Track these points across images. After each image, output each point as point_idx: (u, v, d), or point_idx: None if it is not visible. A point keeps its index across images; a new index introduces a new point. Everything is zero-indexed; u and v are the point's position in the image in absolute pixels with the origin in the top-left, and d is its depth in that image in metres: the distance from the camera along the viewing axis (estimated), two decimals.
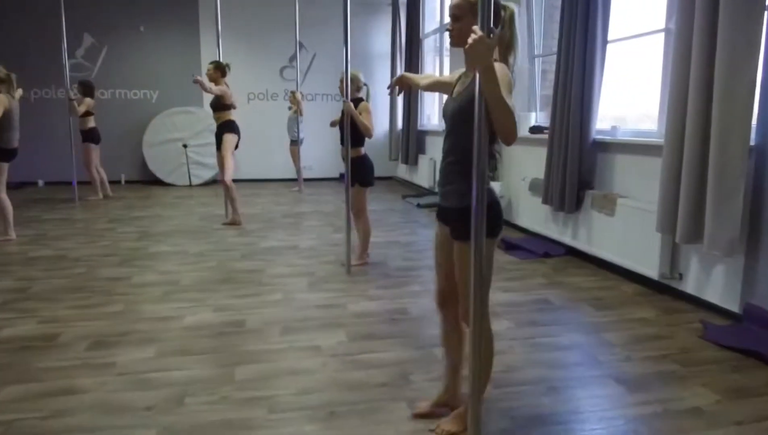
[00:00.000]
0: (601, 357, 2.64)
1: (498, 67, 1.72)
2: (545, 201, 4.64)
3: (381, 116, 9.94)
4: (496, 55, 1.85)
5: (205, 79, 5.49)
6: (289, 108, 8.60)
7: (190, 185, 9.09)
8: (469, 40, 1.51)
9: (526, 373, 2.47)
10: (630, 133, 4.13)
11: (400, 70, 8.90)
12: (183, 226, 5.77)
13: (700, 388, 2.32)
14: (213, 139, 6.09)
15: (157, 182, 9.14)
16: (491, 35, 1.52)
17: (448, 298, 2.07)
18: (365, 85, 4.23)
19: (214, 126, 5.86)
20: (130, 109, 9.24)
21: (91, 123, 7.40)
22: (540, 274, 4.06)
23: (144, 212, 6.59)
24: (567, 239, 4.56)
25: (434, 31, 8.35)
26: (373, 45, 9.81)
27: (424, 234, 5.38)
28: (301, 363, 2.55)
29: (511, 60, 1.85)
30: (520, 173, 5.43)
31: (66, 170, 7.55)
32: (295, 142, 8.37)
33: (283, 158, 9.12)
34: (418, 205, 7.03)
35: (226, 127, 5.68)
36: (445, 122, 1.95)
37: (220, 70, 5.64)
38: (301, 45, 9.56)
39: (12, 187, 8.54)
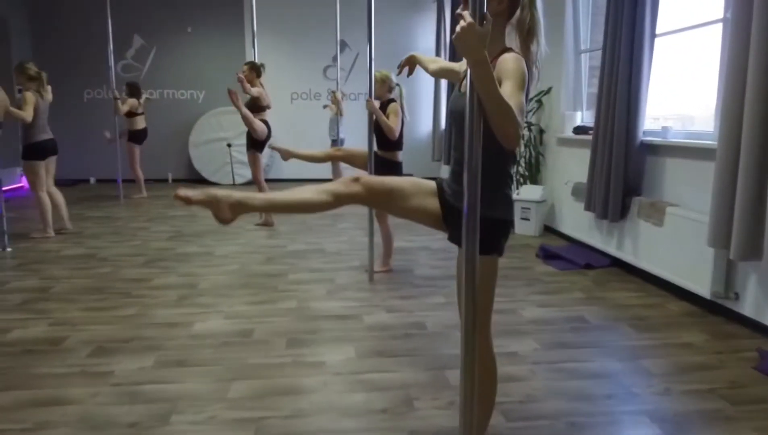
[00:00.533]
0: (635, 388, 2.34)
1: (511, 58, 1.49)
2: (588, 207, 4.30)
3: (425, 116, 9.72)
4: (515, 44, 1.61)
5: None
6: (324, 107, 8.50)
7: (234, 184, 9.15)
8: (457, 28, 1.29)
9: (546, 404, 2.21)
10: (682, 134, 3.74)
11: None
12: (216, 226, 5.74)
13: (750, 433, 1.99)
14: None
15: (203, 181, 9.25)
16: (484, 22, 1.29)
17: None
18: (398, 85, 4.03)
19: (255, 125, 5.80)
20: (177, 109, 9.40)
21: (137, 124, 7.55)
22: (579, 287, 3.74)
23: (182, 211, 6.63)
24: (611, 249, 4.20)
25: None
26: (417, 42, 9.58)
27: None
28: (301, 381, 2.38)
29: (533, 48, 1.61)
30: (563, 176, 5.09)
31: (115, 168, 7.74)
32: (336, 143, 8.26)
33: None
34: None
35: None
36: (453, 118, 1.71)
37: (255, 70, 5.59)
38: (345, 44, 9.47)
39: (66, 184, 8.88)
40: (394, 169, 3.93)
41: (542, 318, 3.15)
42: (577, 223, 4.76)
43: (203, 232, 5.43)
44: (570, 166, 4.98)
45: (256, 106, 5.57)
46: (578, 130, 4.80)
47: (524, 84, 1.47)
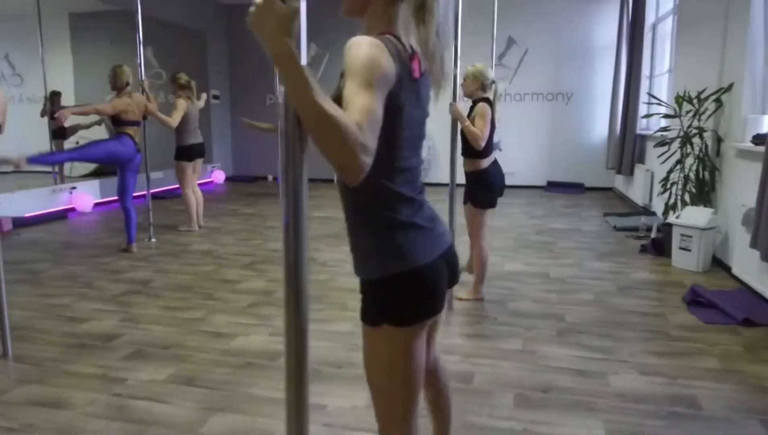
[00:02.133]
0: None
1: (355, 44, 1.05)
2: (753, 244, 3.21)
3: (600, 118, 8.59)
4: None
5: None
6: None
7: None
8: (251, 8, 0.88)
9: None
10: None
11: (624, 63, 7.48)
12: (341, 229, 5.71)
13: None
14: None
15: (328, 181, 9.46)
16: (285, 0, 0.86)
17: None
18: (493, 83, 3.47)
19: None
20: None
21: None
22: (717, 352, 2.78)
23: (327, 212, 6.79)
24: None
25: (668, 14, 6.75)
26: (594, 37, 8.47)
27: (596, 268, 4.29)
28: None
29: (422, 33, 1.12)
30: (740, 198, 3.92)
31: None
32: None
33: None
34: (615, 228, 5.75)
35: None
36: None
37: None
38: (512, 41, 8.82)
39: (246, 180, 9.84)
40: (477, 180, 3.39)
41: (635, 391, 2.38)
42: (747, 261, 3.62)
43: (326, 236, 5.42)
44: (748, 186, 3.81)
45: None
46: (758, 138, 3.64)
47: (375, 83, 0.99)
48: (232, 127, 10.37)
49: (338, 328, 3.08)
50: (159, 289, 3.76)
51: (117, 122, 4.42)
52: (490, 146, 3.38)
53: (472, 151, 3.36)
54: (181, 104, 5.21)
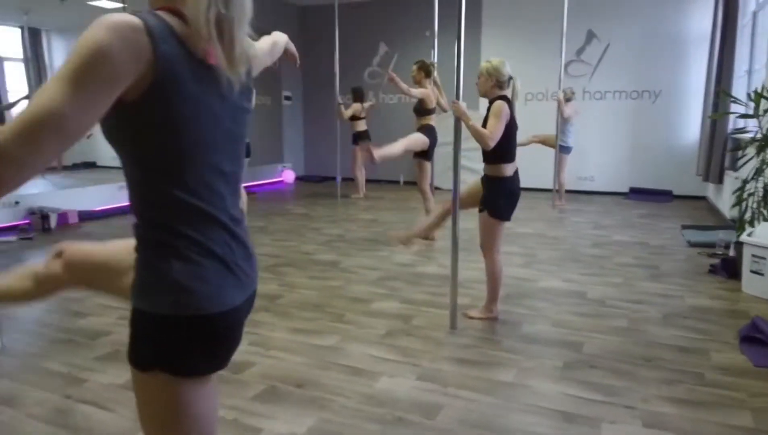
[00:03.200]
0: None
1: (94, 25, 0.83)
2: None
3: (692, 121, 7.69)
4: None
5: (400, 81, 5.09)
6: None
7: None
8: None
9: None
10: None
11: (716, 56, 6.61)
12: (381, 236, 5.52)
13: None
14: None
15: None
16: None
17: None
18: (511, 79, 3.11)
19: None
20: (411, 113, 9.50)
21: (359, 126, 7.89)
22: (758, 404, 2.26)
23: (372, 214, 6.64)
24: None
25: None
26: (689, 26, 7.58)
27: (646, 289, 3.76)
28: None
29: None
30: None
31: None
32: (563, 149, 7.11)
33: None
34: (689, 244, 5.05)
35: (424, 132, 5.17)
36: None
37: (424, 70, 5.16)
38: (592, 35, 8.13)
39: (315, 180, 9.92)
40: (498, 188, 3.04)
41: None
42: None
43: (357, 240, 5.25)
44: None
45: (423, 109, 5.13)
46: None
47: (82, 72, 0.79)
48: (304, 127, 10.51)
49: (322, 341, 2.90)
50: None
51: None
52: (511, 150, 3.03)
53: (492, 155, 3.04)
54: None
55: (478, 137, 2.90)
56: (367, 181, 8.16)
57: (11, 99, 6.90)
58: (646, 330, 3.06)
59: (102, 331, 3.03)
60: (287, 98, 9.82)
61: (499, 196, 3.05)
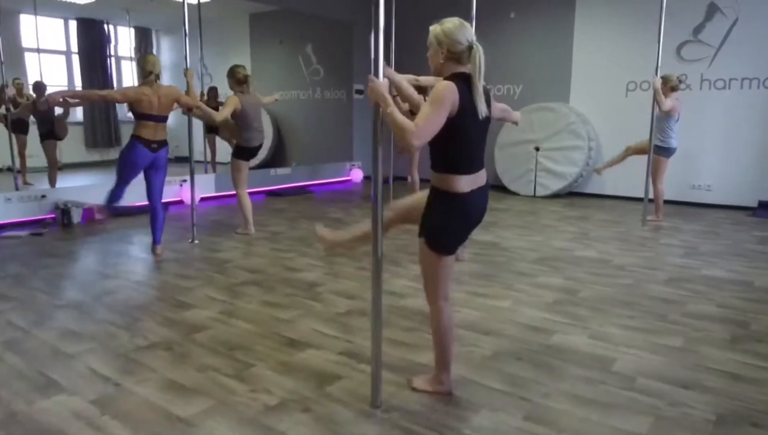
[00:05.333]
0: None
1: None
2: None
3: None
4: None
5: None
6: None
7: (534, 196, 7.61)
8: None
9: None
10: None
11: None
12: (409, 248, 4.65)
13: None
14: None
15: (502, 189, 8.07)
16: None
17: None
18: (471, 48, 2.10)
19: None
20: None
21: None
22: None
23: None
24: None
25: None
26: None
27: (714, 359, 2.56)
28: None
29: None
30: None
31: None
32: (661, 151, 5.66)
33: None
34: None
35: None
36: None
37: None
38: (715, 7, 6.49)
39: (384, 180, 9.19)
40: (442, 207, 2.09)
41: None
42: None
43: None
44: None
45: None
46: None
47: None
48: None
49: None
50: (144, 303, 3.29)
51: (134, 114, 4.11)
52: (469, 156, 2.08)
53: (439, 159, 2.11)
54: (233, 100, 4.73)
55: (397, 132, 1.97)
56: (422, 180, 7.25)
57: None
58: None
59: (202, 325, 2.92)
60: (358, 92, 9.18)
61: (442, 219, 2.09)
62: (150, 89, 4.06)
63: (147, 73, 4.08)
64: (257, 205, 4.93)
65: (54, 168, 7.33)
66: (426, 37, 2.11)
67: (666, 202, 6.03)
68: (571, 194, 7.63)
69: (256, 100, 5.01)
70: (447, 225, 2.08)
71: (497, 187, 8.21)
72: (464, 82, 2.01)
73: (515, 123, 3.47)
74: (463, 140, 2.04)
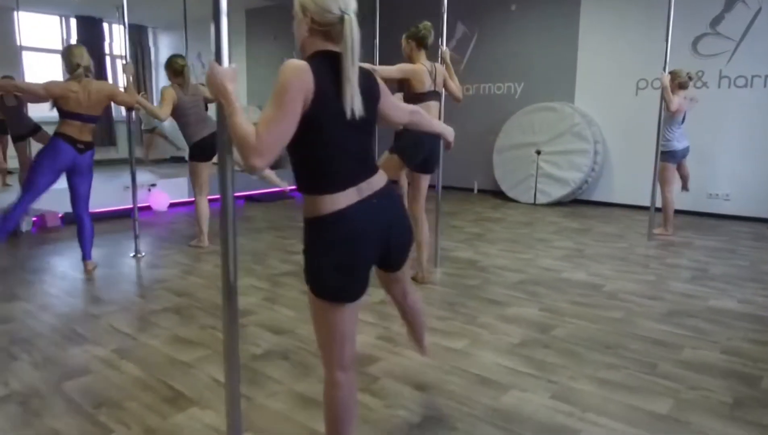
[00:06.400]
0: None
1: None
2: None
3: None
4: None
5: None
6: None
7: (534, 204, 6.99)
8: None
9: None
10: None
11: None
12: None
13: None
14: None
15: (501, 195, 7.46)
16: None
17: None
18: (343, 18, 1.52)
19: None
20: (491, 106, 7.80)
21: None
22: None
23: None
24: None
25: None
26: None
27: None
28: None
29: None
30: None
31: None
32: (665, 156, 5.03)
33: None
34: None
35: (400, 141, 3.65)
36: None
37: (414, 39, 3.64)
38: None
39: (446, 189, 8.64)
40: (312, 238, 1.50)
41: None
42: None
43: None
44: None
45: (410, 93, 3.64)
46: None
47: None
48: None
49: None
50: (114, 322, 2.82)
51: (60, 113, 3.65)
52: (335, 166, 1.50)
53: (301, 176, 1.52)
54: (169, 93, 4.26)
55: (238, 148, 1.40)
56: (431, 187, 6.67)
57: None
58: None
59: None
60: None
61: (319, 253, 1.49)
62: (78, 85, 3.59)
63: (74, 66, 3.61)
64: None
65: (24, 170, 6.95)
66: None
67: (679, 212, 5.40)
68: (575, 202, 7.00)
69: (198, 92, 4.52)
70: (327, 261, 1.47)
71: (495, 193, 7.62)
72: (329, 64, 1.44)
73: (448, 144, 2.07)
74: (328, 146, 1.44)
